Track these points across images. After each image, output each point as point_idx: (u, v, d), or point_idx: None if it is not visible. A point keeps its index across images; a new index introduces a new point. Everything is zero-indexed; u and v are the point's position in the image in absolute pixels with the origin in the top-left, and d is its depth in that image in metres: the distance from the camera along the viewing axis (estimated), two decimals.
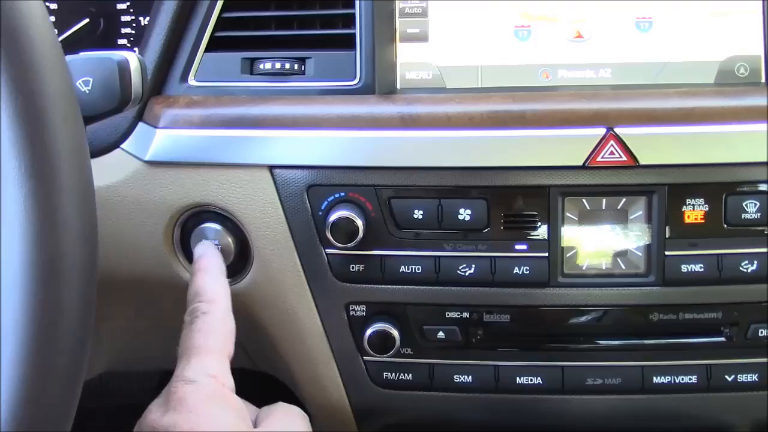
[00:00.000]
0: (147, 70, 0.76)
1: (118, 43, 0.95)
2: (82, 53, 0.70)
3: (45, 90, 0.49)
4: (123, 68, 0.69)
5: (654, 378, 0.83)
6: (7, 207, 0.48)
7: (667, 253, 0.79)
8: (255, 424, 0.68)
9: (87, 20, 0.95)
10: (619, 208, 0.80)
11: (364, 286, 0.82)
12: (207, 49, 0.86)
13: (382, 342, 0.82)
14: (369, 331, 0.82)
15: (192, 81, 0.86)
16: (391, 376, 0.85)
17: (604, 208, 0.80)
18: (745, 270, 0.79)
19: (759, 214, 0.78)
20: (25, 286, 0.48)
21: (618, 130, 0.77)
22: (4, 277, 0.47)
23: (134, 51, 0.87)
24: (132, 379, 1.49)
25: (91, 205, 0.52)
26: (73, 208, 0.50)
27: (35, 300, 0.48)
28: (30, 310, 0.48)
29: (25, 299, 0.48)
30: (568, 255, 0.80)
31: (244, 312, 0.88)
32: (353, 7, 0.84)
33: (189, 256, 0.86)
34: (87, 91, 0.67)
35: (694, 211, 0.79)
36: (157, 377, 1.52)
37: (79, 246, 0.50)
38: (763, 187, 0.78)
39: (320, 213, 0.80)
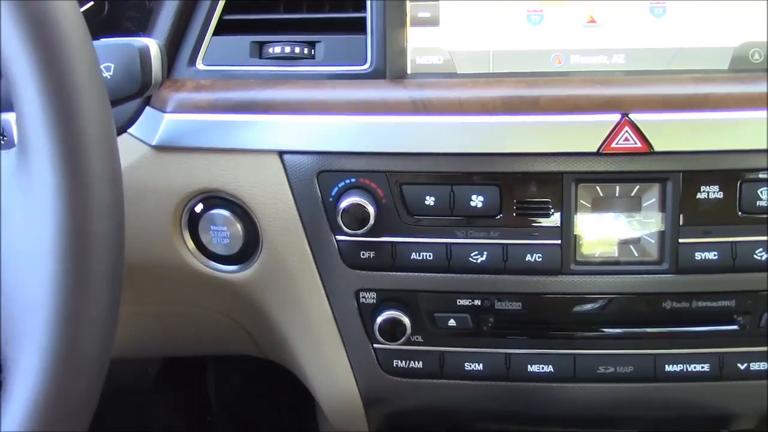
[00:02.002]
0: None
1: (124, 26, 0.94)
2: (103, 39, 0.70)
3: (74, 74, 0.51)
4: (144, 54, 0.71)
5: (666, 366, 0.82)
6: (41, 190, 0.50)
7: (680, 240, 0.79)
8: None
9: (92, 3, 0.94)
10: (632, 195, 0.79)
11: (374, 273, 0.81)
12: (215, 33, 0.85)
13: (393, 329, 0.81)
14: (379, 319, 0.81)
15: (200, 65, 0.85)
16: (402, 363, 0.85)
17: (617, 195, 0.79)
18: (759, 258, 0.78)
19: None
20: (54, 268, 0.50)
21: (633, 116, 0.76)
22: (36, 263, 0.50)
23: (143, 35, 0.86)
24: (132, 365, 1.49)
25: (119, 187, 0.54)
26: (103, 190, 0.52)
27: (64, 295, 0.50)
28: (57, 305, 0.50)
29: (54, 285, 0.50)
30: (580, 242, 0.80)
31: (251, 299, 0.87)
32: None
33: (197, 242, 0.85)
34: (109, 77, 0.69)
35: (709, 199, 0.78)
36: (158, 363, 1.51)
37: (109, 229, 0.52)
38: None
39: (330, 199, 0.79)
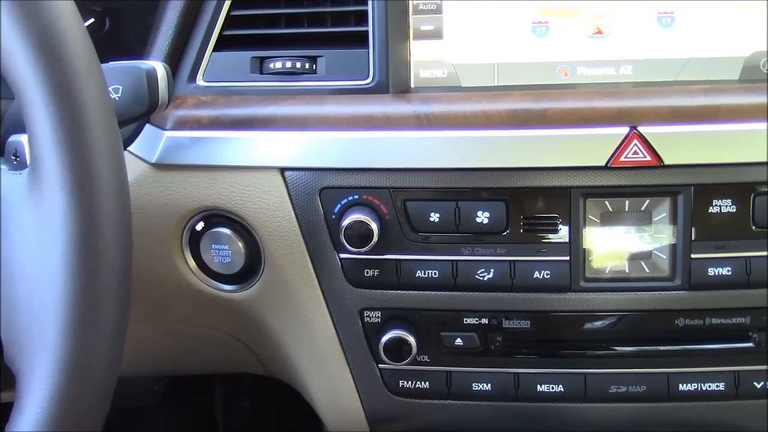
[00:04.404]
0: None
1: (125, 42, 0.94)
2: (111, 62, 0.71)
3: (84, 96, 0.53)
4: (151, 76, 0.72)
5: (680, 385, 0.80)
6: (52, 209, 0.53)
7: (693, 256, 0.77)
8: None
9: (92, 20, 0.94)
10: (642, 209, 0.77)
11: (378, 291, 0.80)
12: (215, 48, 0.84)
13: (398, 349, 0.79)
14: (384, 338, 0.79)
15: (200, 81, 0.84)
16: (408, 384, 0.83)
17: (627, 209, 0.77)
18: None
19: None
20: (66, 283, 0.52)
21: (642, 129, 0.74)
22: (47, 274, 0.53)
23: (143, 52, 0.85)
24: (138, 383, 1.48)
25: (127, 205, 0.57)
26: (112, 209, 0.54)
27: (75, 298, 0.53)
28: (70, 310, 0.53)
29: (65, 300, 0.53)
30: (590, 258, 0.78)
31: (254, 318, 0.86)
32: (366, 3, 0.82)
33: (198, 261, 0.84)
34: (117, 98, 0.71)
35: (721, 213, 0.76)
36: (165, 381, 1.50)
37: (117, 246, 0.55)
38: None
39: (333, 216, 0.78)
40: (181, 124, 0.80)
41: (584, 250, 0.78)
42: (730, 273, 0.76)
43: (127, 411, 1.45)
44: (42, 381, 0.53)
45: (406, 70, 0.83)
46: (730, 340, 0.80)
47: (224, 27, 0.84)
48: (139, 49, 0.87)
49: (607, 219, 0.77)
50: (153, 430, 1.53)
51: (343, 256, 0.79)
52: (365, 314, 0.81)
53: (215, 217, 0.82)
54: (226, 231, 0.82)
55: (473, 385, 0.82)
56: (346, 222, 0.76)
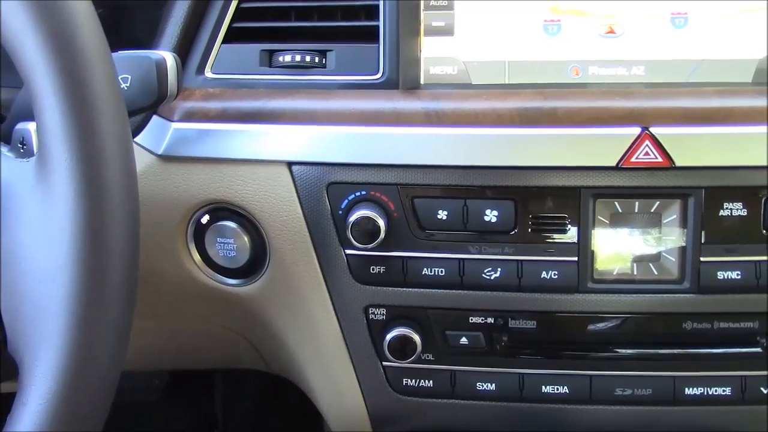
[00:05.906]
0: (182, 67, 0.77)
1: (133, 34, 0.93)
2: (120, 52, 0.71)
3: (94, 85, 0.53)
4: (160, 66, 0.72)
5: (686, 389, 0.80)
6: (59, 199, 0.52)
7: (702, 259, 0.76)
8: None
9: (100, 11, 0.93)
10: (652, 211, 0.77)
11: (384, 288, 0.79)
12: (225, 41, 0.83)
13: (403, 347, 0.79)
14: (389, 336, 0.79)
15: (209, 73, 0.83)
16: (411, 382, 0.82)
17: (637, 210, 0.77)
18: None
19: None
20: (71, 275, 0.52)
21: (653, 130, 0.74)
22: (54, 264, 0.52)
23: (152, 44, 0.85)
24: (138, 378, 1.47)
25: (135, 197, 0.57)
26: (120, 200, 0.54)
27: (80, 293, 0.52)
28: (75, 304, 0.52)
29: (71, 293, 0.52)
30: (598, 259, 0.77)
31: (258, 313, 0.85)
32: None
33: (203, 254, 0.83)
34: (125, 88, 0.70)
35: (732, 216, 0.75)
36: (165, 376, 1.50)
37: (124, 238, 0.54)
38: None
39: (340, 212, 0.78)
40: (189, 117, 0.80)
41: (593, 251, 0.77)
42: (739, 277, 0.76)
43: (127, 406, 1.45)
44: (45, 374, 0.53)
45: (416, 66, 0.82)
46: (737, 344, 0.79)
47: (234, 19, 0.83)
48: (147, 41, 0.86)
49: (617, 220, 0.77)
50: (153, 426, 1.53)
51: (349, 252, 0.79)
52: (370, 311, 0.80)
53: (221, 210, 0.81)
54: (232, 225, 0.81)
55: (478, 384, 0.81)
56: (353, 218, 0.75)
